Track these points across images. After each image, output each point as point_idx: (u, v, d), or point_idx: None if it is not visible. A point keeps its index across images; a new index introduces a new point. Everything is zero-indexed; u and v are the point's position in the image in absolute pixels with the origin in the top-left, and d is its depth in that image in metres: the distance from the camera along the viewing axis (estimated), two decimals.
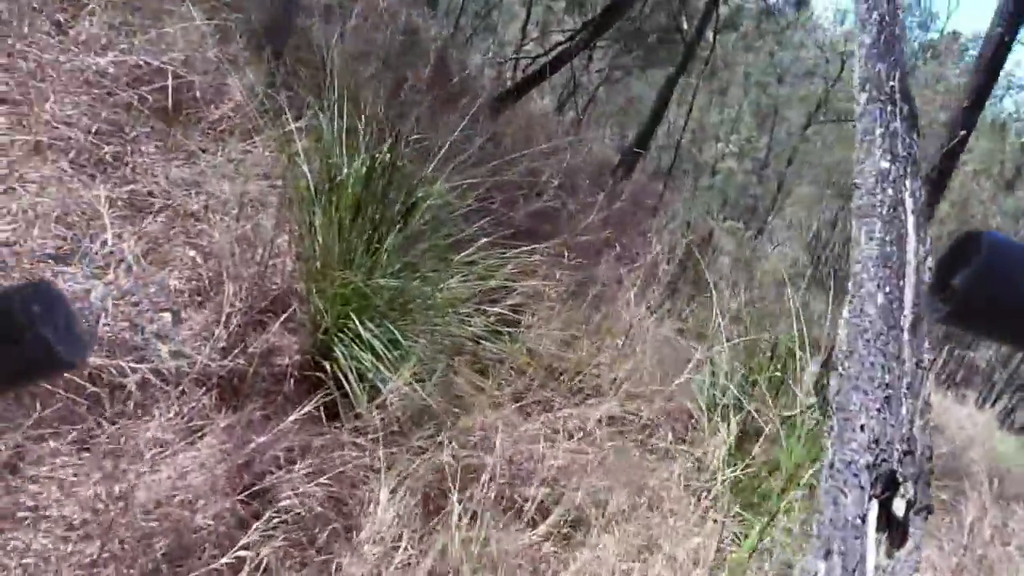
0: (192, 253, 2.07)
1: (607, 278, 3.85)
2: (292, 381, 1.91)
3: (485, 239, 2.66)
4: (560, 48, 7.06)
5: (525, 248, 2.89)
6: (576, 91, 7.50)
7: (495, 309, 2.63)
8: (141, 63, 2.59)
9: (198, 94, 2.70)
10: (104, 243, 1.92)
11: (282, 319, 2.01)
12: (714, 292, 3.78)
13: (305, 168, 2.31)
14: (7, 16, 2.34)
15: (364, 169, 2.28)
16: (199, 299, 1.98)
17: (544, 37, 14.89)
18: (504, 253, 2.74)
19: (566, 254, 3.30)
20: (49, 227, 1.85)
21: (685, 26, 7.25)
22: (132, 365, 1.63)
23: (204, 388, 1.75)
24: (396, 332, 2.00)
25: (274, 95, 3.06)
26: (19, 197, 1.85)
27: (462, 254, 2.55)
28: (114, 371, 1.59)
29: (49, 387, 1.49)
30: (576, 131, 7.09)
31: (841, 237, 14.92)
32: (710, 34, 8.26)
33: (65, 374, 1.39)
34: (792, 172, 13.33)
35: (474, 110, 5.20)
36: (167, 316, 1.77)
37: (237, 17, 3.81)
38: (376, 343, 1.97)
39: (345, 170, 2.27)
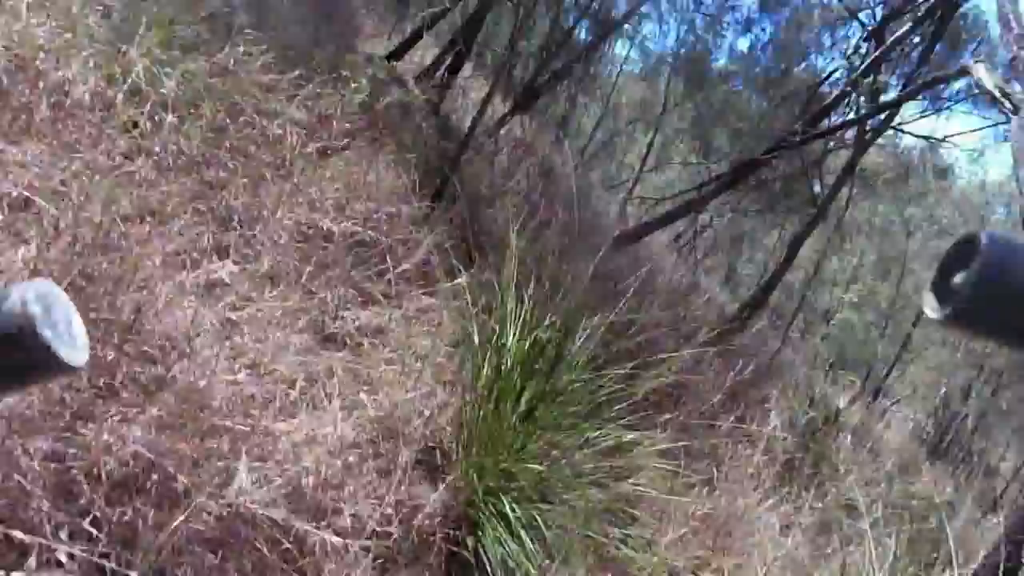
0: (370, 406, 2.31)
1: (724, 456, 3.75)
2: (440, 554, 2.04)
3: (611, 412, 2.75)
4: (683, 195, 7.35)
5: (645, 420, 2.94)
6: (696, 236, 7.67)
7: (620, 489, 2.66)
8: (341, 218, 3.07)
9: (389, 244, 3.12)
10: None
11: (441, 485, 2.17)
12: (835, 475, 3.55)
13: (475, 333, 2.56)
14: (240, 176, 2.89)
15: (527, 345, 2.49)
16: (371, 453, 2.20)
17: (661, 168, 15.44)
18: (624, 423, 2.80)
19: (687, 430, 3.29)
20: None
21: (818, 188, 7.31)
22: (313, 527, 1.83)
23: (367, 551, 1.91)
24: (539, 520, 2.09)
25: (448, 249, 3.46)
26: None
27: (597, 433, 2.64)
28: (306, 529, 1.79)
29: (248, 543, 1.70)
30: (693, 273, 7.20)
31: (974, 407, 13.41)
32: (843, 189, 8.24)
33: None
34: (920, 333, 12.42)
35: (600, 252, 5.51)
36: (351, 482, 1.98)
37: (413, 157, 4.41)
38: (519, 528, 2.07)
39: (510, 341, 2.49)
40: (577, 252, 5.70)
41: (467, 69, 8.50)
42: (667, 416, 3.36)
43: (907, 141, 8.98)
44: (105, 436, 1.41)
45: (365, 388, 2.36)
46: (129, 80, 2.49)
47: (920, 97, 6.47)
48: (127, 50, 2.48)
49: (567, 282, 3.33)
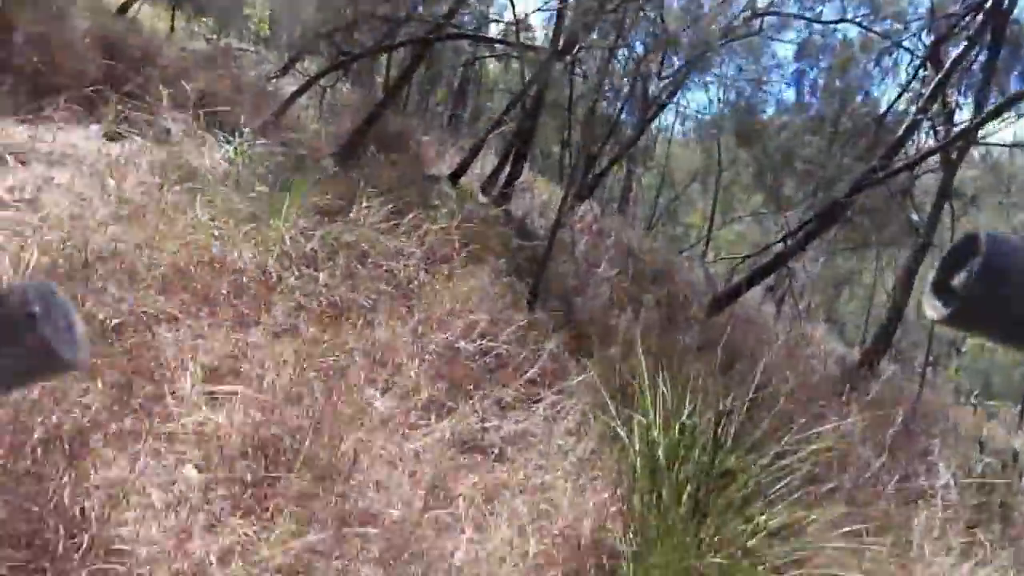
0: (535, 514, 2.32)
1: (901, 521, 3.39)
2: None
3: (773, 492, 2.60)
4: (769, 248, 7.19)
5: (808, 496, 2.75)
6: (791, 286, 7.41)
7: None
8: (469, 335, 3.26)
9: (510, 357, 3.25)
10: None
11: None
12: None
13: (619, 427, 2.57)
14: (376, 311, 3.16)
15: (675, 433, 2.46)
16: (544, 563, 2.19)
17: (728, 225, 15.24)
18: (788, 502, 2.62)
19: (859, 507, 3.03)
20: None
21: (915, 217, 6.98)
22: None
23: None
24: None
25: (560, 344, 3.56)
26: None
27: (764, 516, 2.50)
28: None
29: None
30: (798, 328, 6.88)
31: None
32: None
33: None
34: None
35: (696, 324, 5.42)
36: None
37: (503, 262, 4.65)
38: None
39: (657, 435, 2.47)
40: (676, 325, 5.65)
41: (524, 170, 9.05)
42: (830, 486, 3.13)
43: (996, 151, 8.54)
44: None
45: (524, 494, 2.39)
46: (278, 248, 2.88)
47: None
48: (276, 225, 2.88)
49: (684, 360, 3.31)
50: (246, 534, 1.48)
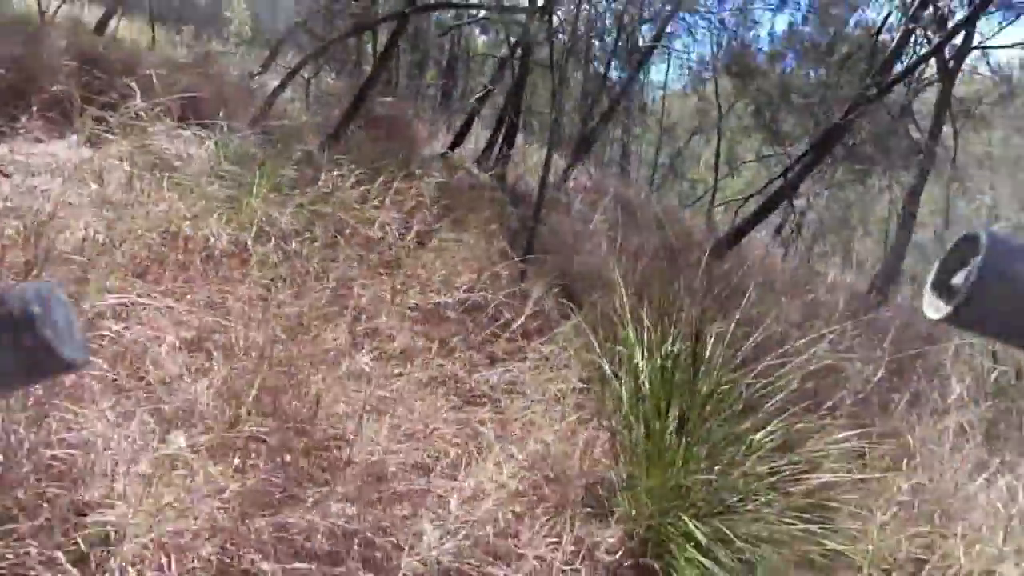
0: (523, 454, 2.35)
1: (911, 436, 3.35)
2: None
3: (767, 410, 2.58)
4: (770, 185, 7.04)
5: (808, 412, 2.72)
6: (799, 226, 7.25)
7: (799, 489, 2.45)
8: (450, 292, 3.28)
9: (498, 304, 3.26)
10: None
11: (613, 516, 2.13)
12: None
13: (604, 364, 2.57)
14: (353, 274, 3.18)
15: (658, 361, 2.45)
16: (536, 499, 2.22)
17: (737, 172, 14.95)
18: (788, 421, 2.61)
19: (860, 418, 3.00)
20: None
21: (917, 135, 6.74)
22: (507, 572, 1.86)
23: None
24: (728, 532, 1.98)
25: (552, 296, 3.56)
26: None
27: (760, 433, 2.49)
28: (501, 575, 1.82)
29: None
30: (805, 266, 6.75)
31: None
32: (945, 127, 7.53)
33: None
34: None
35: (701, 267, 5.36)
36: (526, 528, 2.01)
37: (495, 227, 4.64)
38: (709, 544, 1.96)
39: (642, 363, 2.47)
40: (678, 271, 5.58)
41: (519, 139, 8.97)
42: (830, 402, 3.09)
43: (1001, 58, 8.15)
44: (310, 516, 1.56)
45: (515, 438, 2.42)
46: (254, 224, 2.91)
47: (994, 9, 5.94)
48: (248, 201, 2.91)
49: (679, 299, 3.28)
50: (219, 475, 1.53)
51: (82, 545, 1.30)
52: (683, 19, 9.87)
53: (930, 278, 0.42)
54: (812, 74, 10.74)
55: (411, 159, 5.76)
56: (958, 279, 0.40)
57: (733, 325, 2.58)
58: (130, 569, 1.28)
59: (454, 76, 15.25)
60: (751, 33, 11.14)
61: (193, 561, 1.34)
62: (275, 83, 7.81)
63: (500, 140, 8.26)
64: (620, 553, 2.11)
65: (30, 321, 0.40)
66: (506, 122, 8.30)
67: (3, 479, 1.35)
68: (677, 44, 12.03)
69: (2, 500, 1.32)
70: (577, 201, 6.88)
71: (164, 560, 1.30)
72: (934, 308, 0.41)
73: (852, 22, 9.67)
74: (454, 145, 8.05)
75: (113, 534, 1.32)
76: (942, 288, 0.41)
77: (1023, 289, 0.38)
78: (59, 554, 1.28)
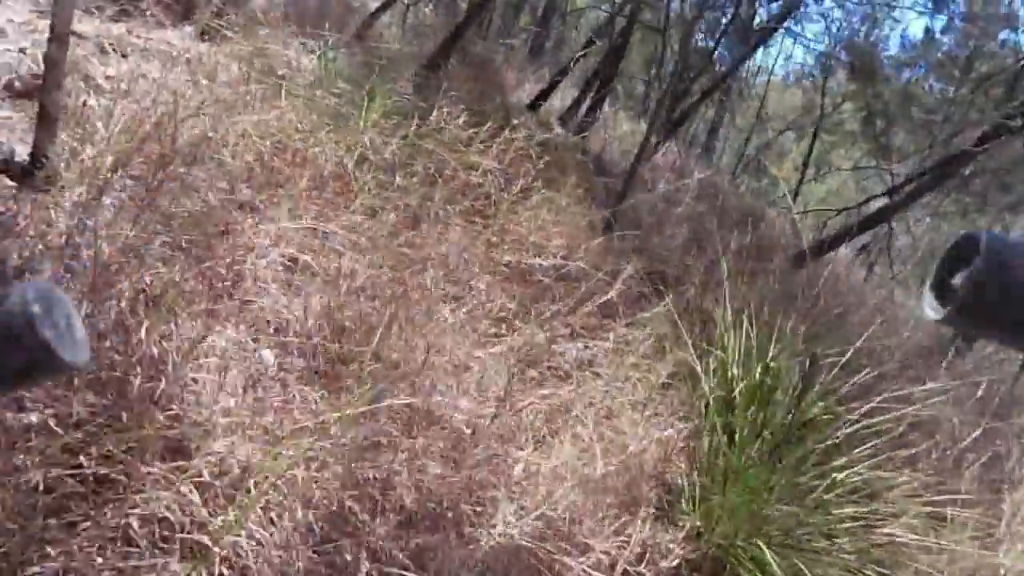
0: (603, 440, 2.27)
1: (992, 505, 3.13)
2: None
3: (855, 450, 2.42)
4: (869, 202, 6.55)
5: (891, 460, 2.55)
6: (888, 248, 6.78)
7: (874, 539, 2.31)
8: (544, 255, 3.16)
9: (584, 280, 3.13)
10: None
11: (682, 524, 2.04)
12: None
13: (696, 364, 2.43)
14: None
15: (757, 375, 2.31)
16: (611, 488, 2.15)
17: (822, 175, 14.11)
18: (871, 463, 2.44)
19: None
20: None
21: None
22: (572, 562, 1.80)
23: None
24: (805, 569, 1.87)
25: (634, 279, 3.40)
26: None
27: (844, 473, 2.34)
28: (565, 563, 1.77)
29: None
30: (890, 293, 6.33)
31: None
32: None
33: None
34: None
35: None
36: (596, 518, 1.94)
37: (581, 192, 4.46)
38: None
39: (739, 372, 2.32)
40: (757, 274, 5.31)
41: (605, 104, 8.59)
42: (913, 451, 2.89)
43: None
44: (399, 469, 1.53)
45: (593, 420, 2.33)
46: (358, 149, 2.83)
47: None
48: (356, 123, 2.82)
49: (779, 311, 3.07)
50: (318, 413, 1.50)
51: (206, 475, 1.29)
52: (812, 3, 9.09)
53: (929, 279, 0.42)
54: (937, 87, 9.87)
55: (509, 107, 5.57)
56: (957, 280, 0.39)
57: (849, 354, 2.39)
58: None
59: (548, 27, 14.68)
60: (877, 32, 10.25)
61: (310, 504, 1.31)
62: (375, 3, 7.64)
63: (588, 101, 7.91)
64: (685, 565, 2.04)
65: (30, 321, 0.39)
66: (597, 84, 7.92)
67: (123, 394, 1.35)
68: (799, 28, 11.16)
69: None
70: (662, 181, 6.57)
71: (285, 501, 1.28)
72: (933, 309, 0.40)
73: (1000, 38, 8.74)
74: (541, 98, 7.75)
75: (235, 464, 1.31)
76: (941, 289, 0.40)
77: (1022, 290, 0.37)
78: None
